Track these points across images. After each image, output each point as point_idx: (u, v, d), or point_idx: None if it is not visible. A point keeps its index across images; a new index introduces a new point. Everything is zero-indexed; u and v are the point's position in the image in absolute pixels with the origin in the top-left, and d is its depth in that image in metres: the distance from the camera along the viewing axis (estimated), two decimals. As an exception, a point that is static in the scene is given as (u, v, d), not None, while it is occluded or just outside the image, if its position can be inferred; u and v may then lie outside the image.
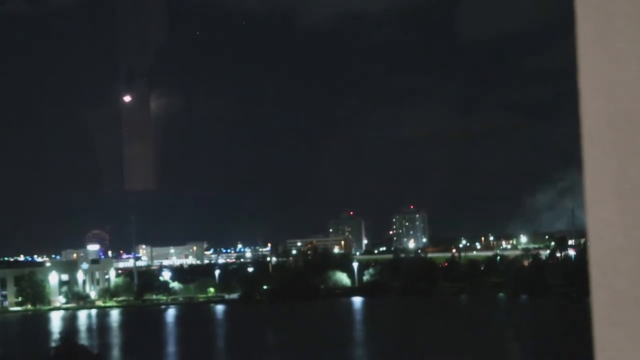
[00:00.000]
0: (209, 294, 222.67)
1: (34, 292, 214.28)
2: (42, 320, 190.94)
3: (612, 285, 3.05)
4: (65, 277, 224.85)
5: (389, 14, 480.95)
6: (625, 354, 3.04)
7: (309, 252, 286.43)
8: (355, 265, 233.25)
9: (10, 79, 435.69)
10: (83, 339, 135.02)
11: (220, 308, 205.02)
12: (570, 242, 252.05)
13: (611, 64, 3.09)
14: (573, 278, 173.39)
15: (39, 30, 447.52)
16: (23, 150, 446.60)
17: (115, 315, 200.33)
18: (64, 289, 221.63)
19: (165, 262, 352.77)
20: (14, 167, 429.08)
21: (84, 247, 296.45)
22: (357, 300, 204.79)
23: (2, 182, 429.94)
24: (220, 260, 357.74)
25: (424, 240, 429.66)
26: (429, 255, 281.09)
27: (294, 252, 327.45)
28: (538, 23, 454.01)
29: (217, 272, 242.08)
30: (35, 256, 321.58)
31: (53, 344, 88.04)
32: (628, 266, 3.06)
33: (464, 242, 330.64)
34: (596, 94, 3.10)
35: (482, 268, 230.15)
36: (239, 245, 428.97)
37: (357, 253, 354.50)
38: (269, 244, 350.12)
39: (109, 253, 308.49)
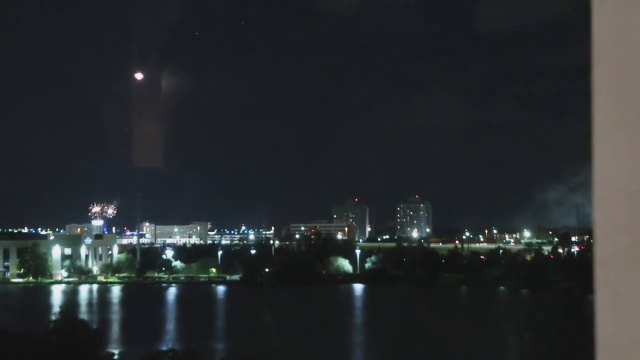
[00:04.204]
0: (211, 274, 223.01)
1: (36, 264, 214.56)
2: (43, 293, 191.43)
3: (617, 284, 3.03)
4: (68, 251, 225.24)
5: (407, 3, 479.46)
6: (628, 353, 3.03)
7: (312, 237, 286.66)
8: (357, 252, 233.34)
9: (22, 53, 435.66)
10: (83, 313, 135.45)
11: (221, 289, 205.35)
12: (574, 238, 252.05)
13: (626, 63, 3.06)
14: (575, 274, 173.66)
15: (54, 5, 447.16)
16: (32, 125, 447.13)
17: (116, 291, 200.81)
18: (67, 262, 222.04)
19: (169, 241, 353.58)
20: (22, 141, 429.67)
21: (89, 221, 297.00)
22: (358, 287, 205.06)
23: (11, 156, 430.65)
24: (224, 241, 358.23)
25: (428, 230, 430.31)
26: (432, 245, 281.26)
27: (297, 236, 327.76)
28: (557, 18, 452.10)
29: (219, 252, 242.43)
30: (40, 229, 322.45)
31: (53, 318, 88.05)
32: (634, 266, 3.04)
33: (467, 233, 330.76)
34: (609, 92, 3.07)
35: (484, 260, 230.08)
36: (243, 227, 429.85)
37: (361, 240, 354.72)
38: (273, 228, 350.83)
39: (113, 229, 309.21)
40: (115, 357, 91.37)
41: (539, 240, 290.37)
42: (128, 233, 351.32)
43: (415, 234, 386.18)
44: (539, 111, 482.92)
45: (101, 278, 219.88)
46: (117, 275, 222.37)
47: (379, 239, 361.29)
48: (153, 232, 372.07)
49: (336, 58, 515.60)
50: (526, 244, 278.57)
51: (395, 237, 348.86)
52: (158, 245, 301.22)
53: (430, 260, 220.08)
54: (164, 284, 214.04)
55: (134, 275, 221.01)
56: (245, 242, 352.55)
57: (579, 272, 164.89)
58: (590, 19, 3.10)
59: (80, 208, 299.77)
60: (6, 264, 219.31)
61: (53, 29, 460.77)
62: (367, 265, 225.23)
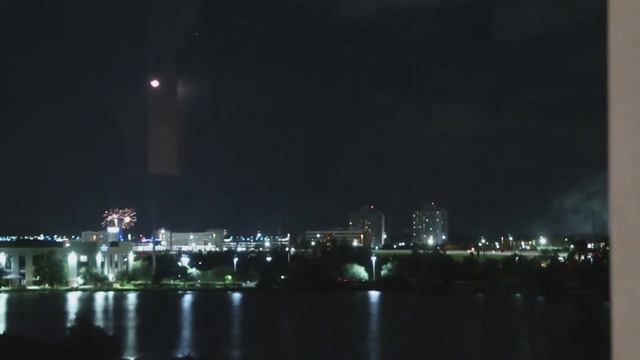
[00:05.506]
0: (227, 282, 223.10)
1: (52, 271, 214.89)
2: (59, 300, 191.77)
3: (633, 291, 2.99)
4: (84, 258, 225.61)
5: (425, 11, 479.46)
6: None
7: (327, 244, 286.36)
8: (373, 259, 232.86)
9: (38, 60, 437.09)
10: (99, 320, 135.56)
11: (236, 296, 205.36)
12: (590, 245, 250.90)
13: None
14: (591, 282, 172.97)
15: (71, 14, 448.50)
16: (46, 133, 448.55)
17: (132, 298, 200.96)
18: (83, 270, 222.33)
19: (185, 248, 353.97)
20: (37, 149, 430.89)
21: (104, 229, 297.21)
22: (374, 295, 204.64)
23: (26, 164, 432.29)
24: (239, 249, 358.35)
25: (443, 237, 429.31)
26: (448, 252, 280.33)
27: (312, 243, 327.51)
28: (575, 25, 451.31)
29: (235, 260, 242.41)
30: (55, 236, 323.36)
31: (69, 324, 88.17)
32: None
33: (483, 240, 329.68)
34: (625, 98, 3.03)
35: (500, 267, 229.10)
36: (259, 234, 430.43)
37: (376, 247, 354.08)
38: (288, 234, 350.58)
39: (129, 236, 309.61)
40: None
41: (555, 248, 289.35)
42: (144, 240, 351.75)
43: (431, 241, 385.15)
44: (556, 118, 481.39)
45: (117, 285, 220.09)
46: (132, 282, 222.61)
47: (395, 246, 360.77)
48: (169, 239, 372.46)
49: (353, 65, 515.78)
50: (542, 251, 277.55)
51: (411, 244, 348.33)
52: (174, 253, 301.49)
53: (446, 268, 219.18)
54: (179, 291, 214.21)
55: (149, 282, 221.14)
56: (261, 249, 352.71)
57: (595, 280, 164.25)
58: (606, 25, 3.06)
59: (96, 215, 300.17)
60: (22, 271, 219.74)
61: (67, 36, 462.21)
62: (383, 272, 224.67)
